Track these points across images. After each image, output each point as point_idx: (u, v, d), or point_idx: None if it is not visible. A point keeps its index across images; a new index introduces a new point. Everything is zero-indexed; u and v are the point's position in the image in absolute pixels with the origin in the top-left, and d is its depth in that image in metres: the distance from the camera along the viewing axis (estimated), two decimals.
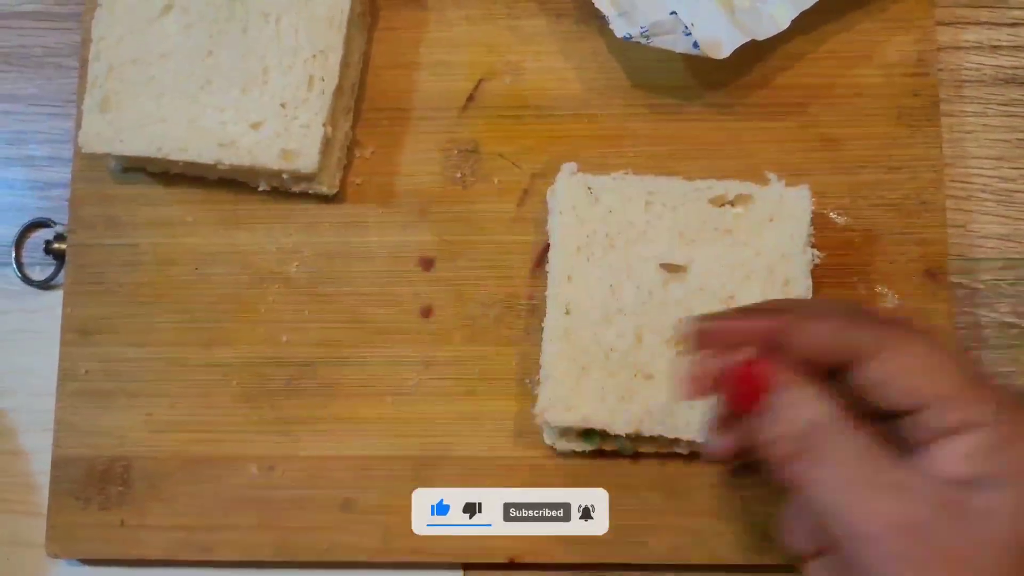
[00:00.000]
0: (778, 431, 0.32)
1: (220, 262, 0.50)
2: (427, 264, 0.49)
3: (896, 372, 0.33)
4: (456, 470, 0.47)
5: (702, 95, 0.50)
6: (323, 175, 0.48)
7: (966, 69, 0.51)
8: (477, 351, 0.49)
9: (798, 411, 0.32)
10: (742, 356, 0.34)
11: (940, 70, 0.50)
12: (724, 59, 0.47)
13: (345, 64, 0.48)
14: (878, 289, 0.48)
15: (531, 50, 0.51)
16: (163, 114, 0.48)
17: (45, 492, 0.49)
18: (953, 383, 0.32)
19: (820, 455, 0.32)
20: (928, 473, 0.31)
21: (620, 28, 0.47)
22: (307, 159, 0.47)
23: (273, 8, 0.48)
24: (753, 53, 0.49)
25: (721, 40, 0.46)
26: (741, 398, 0.33)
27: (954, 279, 0.49)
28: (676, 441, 0.45)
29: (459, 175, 0.50)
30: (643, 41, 0.46)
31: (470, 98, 0.51)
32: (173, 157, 0.47)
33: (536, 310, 0.48)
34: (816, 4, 0.48)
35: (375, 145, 0.51)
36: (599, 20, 0.48)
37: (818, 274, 0.47)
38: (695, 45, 0.46)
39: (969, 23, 0.52)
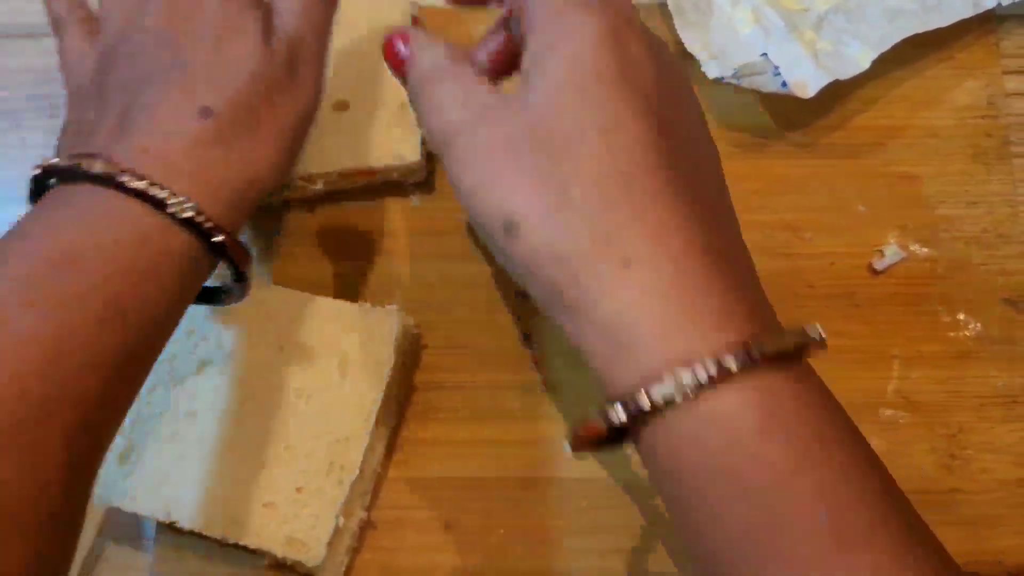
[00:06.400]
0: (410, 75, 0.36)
1: None
2: (526, 293, 0.51)
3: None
4: (560, 491, 0.49)
5: (783, 135, 0.53)
6: (328, 563, 0.46)
7: None
8: (578, 375, 0.50)
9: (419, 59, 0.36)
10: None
11: (1008, 115, 0.53)
12: (803, 103, 0.50)
13: (370, 449, 0.47)
14: (960, 316, 0.50)
15: None
16: (178, 477, 0.45)
17: None
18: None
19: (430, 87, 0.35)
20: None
21: (712, 70, 0.50)
22: (314, 552, 0.44)
23: (307, 385, 0.47)
24: (830, 98, 0.52)
25: (807, 80, 0.50)
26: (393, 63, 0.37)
27: None
28: None
29: None
30: (735, 82, 0.50)
31: None
32: (181, 525, 0.45)
33: None
34: (888, 52, 0.51)
35: None
36: (688, 67, 0.52)
37: (901, 302, 0.50)
38: (784, 84, 0.49)
39: None
